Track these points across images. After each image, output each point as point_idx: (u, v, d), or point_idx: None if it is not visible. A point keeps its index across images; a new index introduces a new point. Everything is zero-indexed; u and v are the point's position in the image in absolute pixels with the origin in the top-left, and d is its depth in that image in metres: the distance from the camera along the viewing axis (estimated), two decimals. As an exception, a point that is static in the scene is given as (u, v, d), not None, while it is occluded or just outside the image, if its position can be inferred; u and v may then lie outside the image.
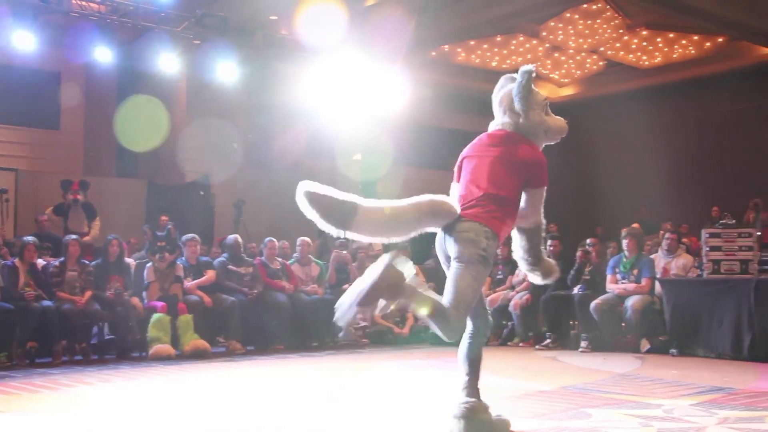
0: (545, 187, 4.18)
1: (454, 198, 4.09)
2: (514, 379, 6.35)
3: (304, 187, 3.74)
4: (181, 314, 8.42)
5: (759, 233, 10.24)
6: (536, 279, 4.28)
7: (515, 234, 4.23)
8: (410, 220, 3.88)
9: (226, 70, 12.55)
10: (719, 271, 8.11)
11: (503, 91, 4.27)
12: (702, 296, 8.18)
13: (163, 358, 7.95)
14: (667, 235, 9.57)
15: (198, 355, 8.19)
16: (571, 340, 9.32)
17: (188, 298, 8.72)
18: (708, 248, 8.21)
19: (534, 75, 4.21)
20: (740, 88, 16.85)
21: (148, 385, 6.39)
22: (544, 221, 4.21)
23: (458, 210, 3.96)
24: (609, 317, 8.83)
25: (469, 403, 3.98)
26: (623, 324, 8.88)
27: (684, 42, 16.09)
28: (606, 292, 9.03)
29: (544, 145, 4.32)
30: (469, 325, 4.07)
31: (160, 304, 8.39)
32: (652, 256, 9.46)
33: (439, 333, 3.74)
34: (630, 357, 8.10)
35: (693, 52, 16.45)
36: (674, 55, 16.67)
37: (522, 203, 4.09)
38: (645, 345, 8.56)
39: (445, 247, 3.97)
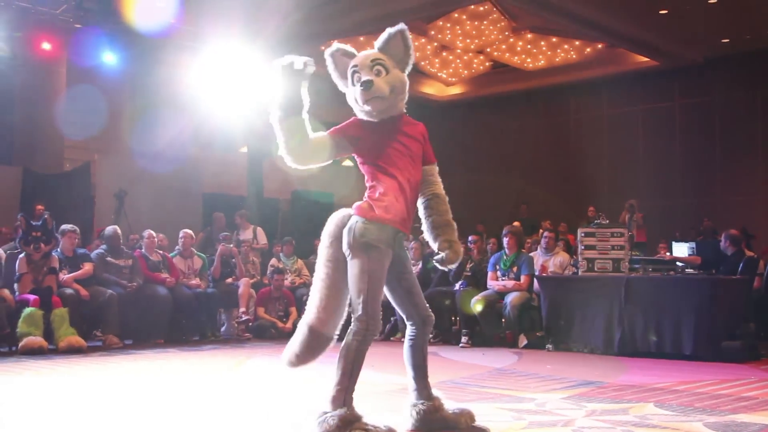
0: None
1: None
2: (393, 374, 6.39)
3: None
4: (56, 307, 8.12)
5: (631, 233, 10.68)
6: None
7: None
8: None
9: (109, 56, 12.17)
10: (593, 269, 8.41)
11: None
12: (576, 293, 8.46)
13: (34, 352, 7.63)
14: (545, 234, 9.86)
15: (72, 351, 7.90)
16: (452, 336, 9.49)
17: (63, 290, 8.42)
18: (583, 247, 8.51)
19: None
20: (617, 92, 17.57)
21: (16, 380, 6.12)
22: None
23: None
24: (489, 313, 9.03)
25: (418, 404, 4.03)
26: (503, 320, 9.10)
27: (566, 47, 16.61)
28: (487, 288, 9.25)
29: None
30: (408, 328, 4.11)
31: (32, 297, 8.04)
32: (532, 254, 9.72)
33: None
34: (508, 352, 8.30)
35: (574, 56, 17.00)
36: (557, 59, 17.17)
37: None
38: (522, 341, 8.80)
39: None
